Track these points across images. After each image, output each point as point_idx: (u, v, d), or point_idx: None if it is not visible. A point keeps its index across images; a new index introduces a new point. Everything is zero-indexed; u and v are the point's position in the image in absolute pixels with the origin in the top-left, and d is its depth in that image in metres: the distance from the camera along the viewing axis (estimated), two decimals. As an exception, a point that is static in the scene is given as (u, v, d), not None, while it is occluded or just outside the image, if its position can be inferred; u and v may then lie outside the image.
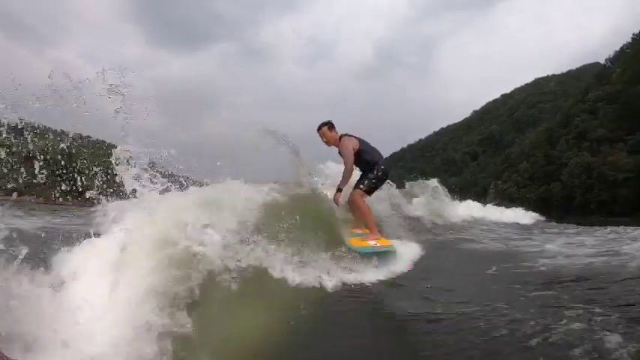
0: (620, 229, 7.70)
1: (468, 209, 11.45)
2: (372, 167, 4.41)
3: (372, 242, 3.98)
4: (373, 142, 4.67)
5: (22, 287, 1.81)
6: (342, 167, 4.44)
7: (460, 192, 14.88)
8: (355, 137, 4.51)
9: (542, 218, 16.90)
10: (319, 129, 4.55)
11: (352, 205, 4.42)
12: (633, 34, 63.11)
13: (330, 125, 4.53)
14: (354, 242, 4.00)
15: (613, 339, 1.78)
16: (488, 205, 15.37)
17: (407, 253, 4.12)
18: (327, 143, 4.57)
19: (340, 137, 4.53)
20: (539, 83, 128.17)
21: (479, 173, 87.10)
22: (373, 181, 4.39)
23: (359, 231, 4.35)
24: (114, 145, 2.64)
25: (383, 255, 3.83)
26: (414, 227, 6.33)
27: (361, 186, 4.35)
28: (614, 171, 39.00)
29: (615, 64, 59.43)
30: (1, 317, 1.65)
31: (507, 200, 33.47)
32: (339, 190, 4.22)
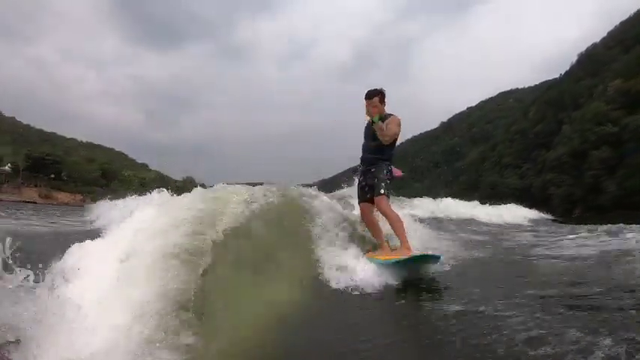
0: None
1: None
2: (389, 161, 4.05)
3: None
4: (350, 147, 4.66)
5: (20, 290, 1.82)
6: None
7: (419, 197, 16.73)
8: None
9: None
10: (371, 96, 3.94)
11: (381, 212, 3.82)
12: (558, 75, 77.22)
13: (383, 95, 4.01)
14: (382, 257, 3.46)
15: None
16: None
17: None
18: (371, 113, 3.95)
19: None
20: (501, 97, 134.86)
21: (436, 181, 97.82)
22: (388, 182, 3.95)
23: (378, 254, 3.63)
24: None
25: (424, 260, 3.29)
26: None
27: (382, 191, 3.79)
28: (506, 188, 57.69)
29: (533, 105, 77.11)
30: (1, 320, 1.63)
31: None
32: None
